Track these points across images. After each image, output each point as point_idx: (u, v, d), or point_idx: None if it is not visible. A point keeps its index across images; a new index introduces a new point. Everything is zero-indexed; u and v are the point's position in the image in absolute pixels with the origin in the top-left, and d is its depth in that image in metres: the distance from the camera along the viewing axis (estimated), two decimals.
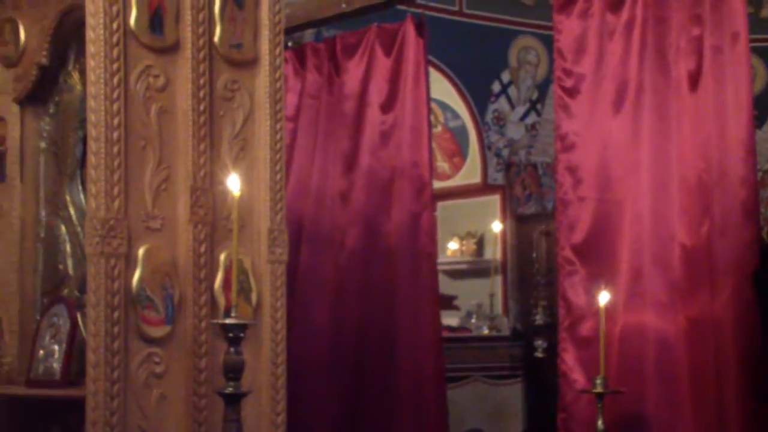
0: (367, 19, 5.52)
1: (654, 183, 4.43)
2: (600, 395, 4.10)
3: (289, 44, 5.61)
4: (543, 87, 8.69)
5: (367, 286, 5.36)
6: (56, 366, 4.02)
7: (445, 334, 6.35)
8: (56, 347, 4.05)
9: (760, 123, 8.98)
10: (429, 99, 5.30)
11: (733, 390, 4.11)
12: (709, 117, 4.30)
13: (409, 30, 5.25)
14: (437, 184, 8.18)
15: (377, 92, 5.40)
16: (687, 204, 4.33)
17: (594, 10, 4.63)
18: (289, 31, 5.13)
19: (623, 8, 4.56)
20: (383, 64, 5.37)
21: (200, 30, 3.77)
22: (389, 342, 5.23)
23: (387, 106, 5.38)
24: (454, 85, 8.51)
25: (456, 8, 8.47)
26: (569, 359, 4.56)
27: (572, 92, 4.66)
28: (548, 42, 4.86)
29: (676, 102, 4.41)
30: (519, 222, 8.63)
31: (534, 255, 8.26)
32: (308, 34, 6.54)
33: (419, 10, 5.38)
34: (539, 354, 7.45)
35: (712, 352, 4.21)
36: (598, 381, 4.11)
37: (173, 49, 3.74)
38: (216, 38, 3.82)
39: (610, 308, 4.25)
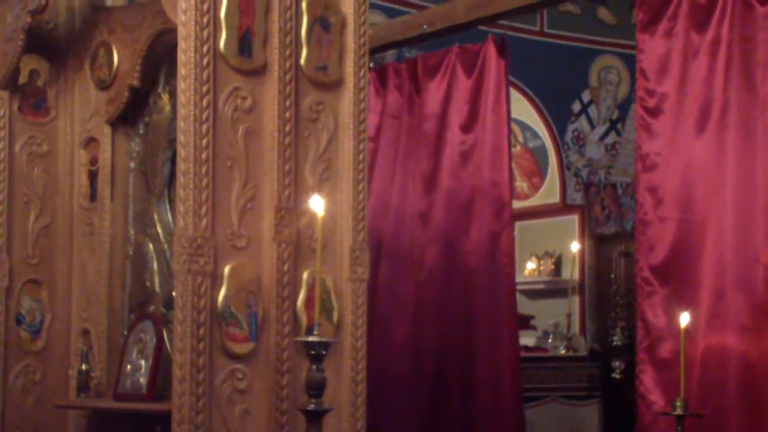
0: (449, 40, 5.56)
1: (738, 203, 4.38)
2: (680, 418, 4.05)
3: (371, 65, 5.69)
4: (624, 107, 8.64)
5: (446, 305, 5.38)
6: (143, 380, 4.11)
7: (522, 353, 6.35)
8: (143, 362, 4.15)
9: None
10: (509, 119, 5.32)
11: None
12: None
13: (491, 50, 5.28)
14: (516, 204, 8.17)
15: (457, 112, 5.44)
16: None
17: (678, 30, 4.60)
18: (371, 52, 5.20)
19: (709, 28, 4.52)
20: (464, 84, 5.41)
21: (287, 52, 3.85)
22: (468, 360, 5.25)
23: (467, 127, 5.41)
24: (534, 104, 8.50)
25: (537, 28, 8.47)
26: (648, 381, 4.52)
27: (654, 112, 4.65)
28: (629, 61, 4.85)
29: (762, 120, 4.35)
30: (597, 242, 8.57)
31: (612, 275, 8.18)
32: (390, 55, 6.61)
33: (501, 31, 5.42)
34: (617, 375, 7.38)
35: None
36: (678, 403, 4.05)
37: (261, 71, 3.82)
38: (302, 60, 3.90)
39: (691, 330, 4.20)
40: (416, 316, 5.47)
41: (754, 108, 4.38)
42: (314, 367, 3.47)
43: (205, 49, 3.67)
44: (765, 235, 4.29)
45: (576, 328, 8.41)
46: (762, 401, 4.22)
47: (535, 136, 8.74)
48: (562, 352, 7.79)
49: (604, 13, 8.70)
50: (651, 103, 4.65)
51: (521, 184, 8.93)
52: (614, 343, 7.67)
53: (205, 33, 3.68)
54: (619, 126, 8.80)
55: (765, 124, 4.34)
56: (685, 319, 4.12)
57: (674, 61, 4.60)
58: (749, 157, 4.37)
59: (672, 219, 4.56)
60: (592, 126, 8.78)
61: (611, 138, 8.82)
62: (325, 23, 3.95)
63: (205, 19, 3.68)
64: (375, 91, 5.70)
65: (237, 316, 3.70)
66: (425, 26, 5.33)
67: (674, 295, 4.48)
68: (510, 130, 5.34)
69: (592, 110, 8.78)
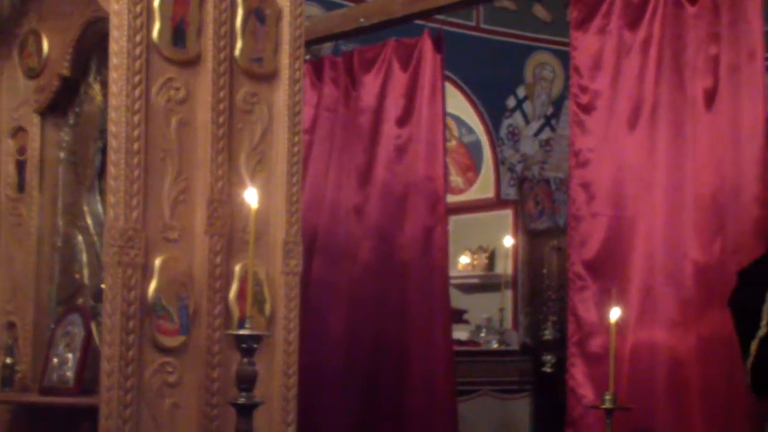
0: (385, 34, 5.55)
1: (668, 200, 4.43)
2: (609, 411, 4.09)
3: (307, 57, 5.65)
4: (558, 103, 8.72)
5: (380, 299, 5.37)
6: (70, 374, 4.04)
7: (455, 347, 6.37)
8: (70, 356, 4.08)
9: None
10: (445, 114, 5.32)
11: (743, 409, 4.10)
12: (725, 135, 4.30)
13: (427, 45, 5.28)
14: (450, 199, 8.19)
15: (393, 106, 5.42)
16: (700, 221, 4.32)
17: (611, 28, 4.64)
18: (307, 45, 5.17)
19: (641, 26, 4.57)
20: (400, 78, 5.40)
21: (221, 44, 3.82)
22: (401, 354, 5.25)
23: (403, 121, 5.40)
24: (470, 99, 8.54)
25: (473, 24, 8.50)
26: (578, 375, 4.57)
27: (587, 108, 4.68)
28: (564, 58, 4.89)
29: (691, 120, 4.41)
30: (531, 237, 8.64)
31: (545, 270, 8.27)
32: (326, 48, 6.58)
33: (437, 26, 5.41)
34: (548, 369, 7.46)
35: (722, 370, 4.20)
36: (608, 397, 4.09)
37: (194, 62, 3.78)
38: (237, 52, 3.87)
39: (621, 324, 4.25)
40: (350, 310, 5.46)
41: (683, 107, 4.44)
42: (245, 360, 3.45)
43: (137, 38, 3.63)
44: (693, 232, 4.35)
45: (508, 322, 8.47)
46: (688, 395, 4.29)
47: (471, 131, 8.78)
48: (495, 346, 7.84)
49: (539, 10, 8.77)
50: (584, 99, 4.69)
51: (456, 179, 8.97)
52: (546, 338, 7.75)
53: (138, 22, 3.63)
54: (553, 122, 8.88)
55: (694, 123, 4.41)
56: (615, 313, 4.17)
57: (607, 59, 4.64)
58: (679, 155, 4.43)
59: (604, 215, 4.60)
60: (527, 121, 8.85)
61: (546, 134, 8.90)
62: (260, 15, 3.92)
63: (138, 8, 3.63)
64: (311, 83, 5.66)
65: (168, 309, 3.67)
66: (362, 20, 5.31)
67: (605, 290, 4.52)
68: (445, 125, 5.35)
69: (527, 106, 8.85)
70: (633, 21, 4.58)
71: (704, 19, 4.39)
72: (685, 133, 4.43)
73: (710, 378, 4.24)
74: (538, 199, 8.76)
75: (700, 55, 4.41)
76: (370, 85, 5.51)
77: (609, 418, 4.08)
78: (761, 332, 3.77)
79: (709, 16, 4.38)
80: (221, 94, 3.79)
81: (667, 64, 4.49)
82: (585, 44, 4.70)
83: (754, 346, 3.78)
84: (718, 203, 4.29)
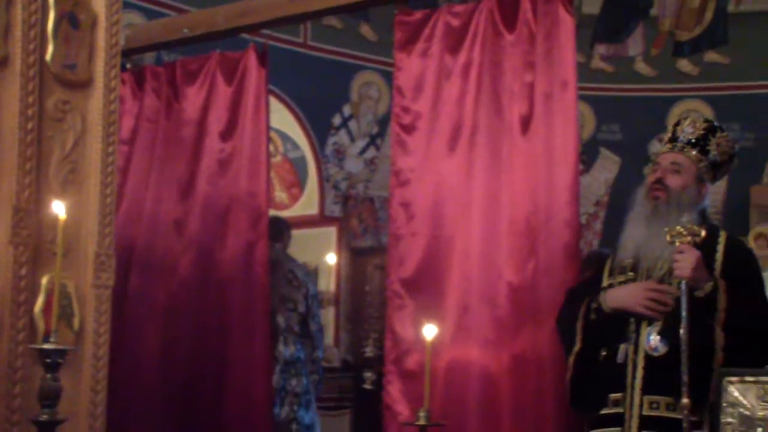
0: (210, 46, 5.48)
1: (484, 222, 4.52)
2: (422, 428, 4.14)
3: (128, 66, 5.52)
4: (383, 122, 8.83)
5: (200, 314, 5.28)
6: None
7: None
8: None
9: (587, 168, 9.38)
10: (268, 129, 5.28)
11: (551, 426, 4.23)
12: (539, 160, 4.43)
13: (251, 59, 5.23)
14: (274, 214, 8.18)
15: (217, 120, 5.35)
16: (515, 244, 4.43)
17: (433, 51, 4.72)
18: (128, 53, 5.04)
19: (461, 51, 4.66)
20: (224, 92, 5.33)
21: (31, 47, 3.67)
22: (220, 370, 5.17)
23: (226, 135, 5.33)
24: (296, 116, 8.54)
25: (300, 40, 8.51)
26: (394, 392, 4.61)
27: (409, 129, 4.74)
28: (390, 78, 4.95)
29: (508, 144, 4.52)
30: (354, 255, 8.71)
31: (367, 288, 8.35)
32: (149, 57, 6.45)
33: (263, 40, 5.38)
34: (368, 386, 7.51)
35: (532, 388, 4.32)
36: (422, 414, 4.15)
37: (1, 64, 3.62)
38: (48, 57, 3.73)
39: (437, 342, 4.31)
40: (168, 325, 5.34)
41: (500, 131, 4.55)
42: (49, 375, 3.32)
43: None
44: (508, 254, 4.46)
45: (330, 339, 8.49)
46: (498, 411, 4.38)
47: (296, 147, 8.79)
48: None
49: (366, 30, 8.86)
50: (406, 120, 4.75)
51: (280, 195, 8.95)
52: (367, 355, 7.80)
53: None
54: (378, 141, 8.99)
55: (510, 148, 4.52)
56: (431, 332, 4.23)
57: (429, 81, 4.71)
58: (495, 178, 4.54)
59: (422, 234, 4.66)
60: (352, 140, 8.92)
61: (370, 153, 9.00)
62: (74, 20, 3.80)
63: None
64: (132, 93, 5.52)
65: None
66: (185, 30, 5.22)
67: (422, 308, 4.58)
68: (269, 140, 5.31)
69: (353, 124, 8.92)
70: (454, 45, 4.68)
71: (520, 47, 4.52)
72: (501, 157, 4.54)
73: (520, 395, 4.35)
74: (362, 217, 8.84)
75: (516, 81, 4.54)
76: (193, 97, 5.42)
77: None
78: (576, 348, 3.92)
79: (525, 45, 4.51)
80: (30, 99, 3.64)
81: (486, 89, 4.60)
82: (408, 66, 4.77)
83: (571, 360, 3.92)
84: (532, 226, 4.41)
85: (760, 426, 3.02)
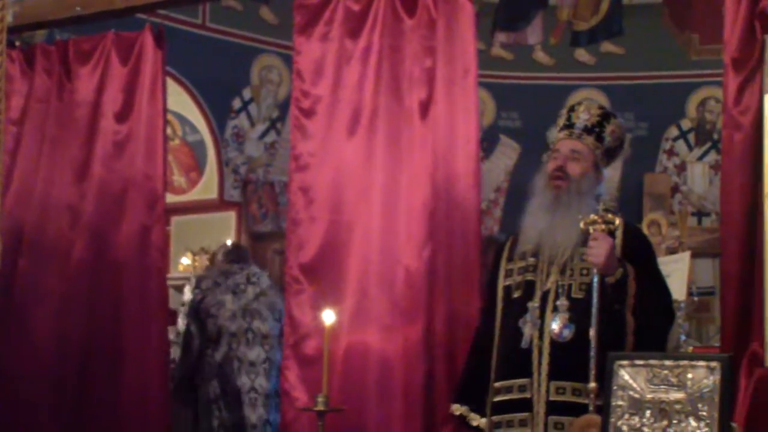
0: (105, 26, 5.36)
1: (383, 206, 4.54)
2: (321, 413, 4.14)
3: (17, 44, 5.36)
4: (284, 106, 8.74)
5: (94, 299, 5.18)
6: None
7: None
8: None
9: (487, 155, 9.48)
10: (165, 111, 5.20)
11: (445, 411, 4.26)
12: (439, 146, 4.46)
13: (147, 40, 5.13)
14: (172, 199, 8.06)
15: (112, 101, 5.24)
16: (413, 228, 4.46)
17: (333, 35, 4.71)
18: (17, 31, 4.89)
19: (361, 35, 4.66)
20: (119, 72, 5.22)
21: None
22: (115, 356, 5.09)
23: (122, 116, 5.23)
24: (194, 99, 8.40)
25: (199, 21, 8.38)
26: (292, 377, 4.60)
27: (308, 113, 4.72)
28: (290, 62, 4.91)
29: (407, 129, 4.54)
30: (254, 240, 8.64)
31: (267, 273, 8.27)
32: (40, 35, 6.26)
33: (159, 21, 5.28)
34: None
35: (428, 372, 4.35)
36: (320, 399, 4.15)
37: None
38: None
39: (335, 327, 4.31)
40: (61, 310, 5.22)
41: (399, 117, 4.57)
42: None
43: None
44: (406, 238, 4.48)
45: None
46: (396, 395, 4.41)
47: (195, 130, 8.66)
48: None
49: (266, 13, 8.77)
50: (306, 104, 4.73)
51: (179, 179, 8.82)
52: None
53: None
54: (278, 125, 8.91)
55: (409, 133, 4.54)
56: (329, 316, 4.22)
57: (329, 65, 4.70)
58: (394, 163, 4.56)
59: (322, 219, 4.65)
60: (252, 124, 8.83)
61: (271, 137, 8.92)
62: None
63: None
64: (21, 72, 5.35)
65: None
66: (78, 8, 5.08)
67: (321, 293, 4.58)
68: (166, 123, 5.22)
69: (253, 108, 8.83)
70: (354, 30, 4.67)
71: (420, 33, 4.54)
72: (401, 142, 4.56)
73: (417, 379, 4.37)
74: (262, 202, 8.78)
75: (416, 67, 4.55)
76: (86, 77, 5.29)
77: (321, 420, 4.12)
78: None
79: (425, 30, 4.53)
80: None
81: (386, 74, 4.60)
82: (308, 49, 4.74)
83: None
84: (431, 211, 4.44)
85: (648, 408, 3.09)
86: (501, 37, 9.79)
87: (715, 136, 9.33)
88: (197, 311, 5.76)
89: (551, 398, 3.70)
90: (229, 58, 8.56)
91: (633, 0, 9.71)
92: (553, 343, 3.72)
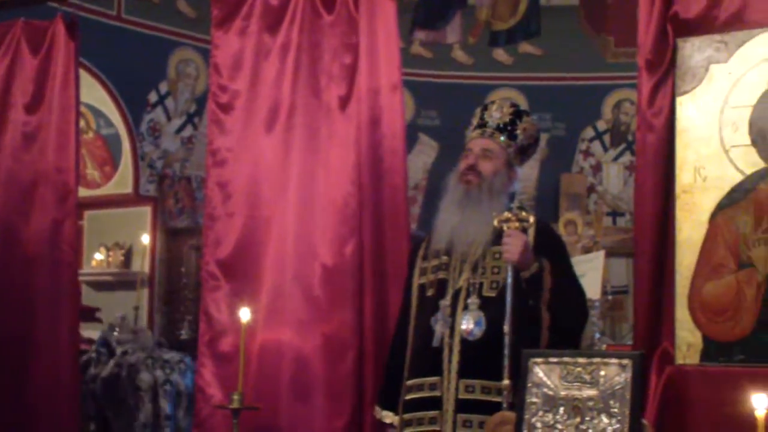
0: (15, 13, 5.23)
1: (300, 203, 4.53)
2: (236, 411, 4.11)
3: None
4: (201, 101, 8.64)
5: (3, 293, 5.07)
6: None
7: (85, 347, 6.17)
8: None
9: (408, 151, 9.50)
10: (78, 103, 5.10)
11: (368, 408, 4.24)
12: (363, 142, 4.45)
13: (59, 30, 5.02)
14: (86, 193, 7.92)
15: (21, 92, 5.12)
16: (332, 225, 4.45)
17: (252, 30, 4.68)
18: None
19: (280, 31, 4.64)
20: (29, 62, 5.10)
21: None
22: (24, 351, 4.99)
23: (32, 107, 5.12)
24: (109, 91, 8.25)
25: (114, 12, 8.24)
26: (207, 374, 4.55)
27: (226, 108, 4.69)
28: (208, 56, 4.86)
29: (327, 126, 4.54)
30: (170, 235, 8.54)
31: (183, 269, 8.22)
32: None
33: (71, 10, 5.18)
34: None
35: (350, 367, 4.34)
36: (235, 397, 4.12)
37: None
38: None
39: (251, 325, 4.28)
40: None
41: (318, 113, 4.56)
42: None
43: None
44: (322, 235, 4.47)
45: (144, 321, 8.31)
46: (316, 392, 4.39)
47: (109, 123, 8.51)
48: None
49: (183, 5, 8.66)
50: (223, 99, 4.70)
51: (92, 172, 8.66)
52: (182, 337, 7.69)
53: None
54: (196, 120, 8.81)
55: (328, 130, 4.54)
56: (245, 313, 4.19)
57: (247, 60, 4.67)
58: (313, 159, 4.55)
59: (239, 215, 4.63)
60: (169, 118, 8.71)
61: (188, 131, 8.81)
62: None
63: None
64: None
65: None
66: None
67: (238, 290, 4.55)
68: (79, 115, 5.13)
69: (170, 102, 8.71)
70: (273, 25, 4.65)
71: (339, 29, 4.54)
72: (319, 138, 4.55)
73: (333, 376, 4.36)
74: (179, 197, 8.67)
75: (335, 63, 4.54)
76: None
77: (236, 417, 4.10)
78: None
79: (344, 27, 4.53)
80: None
81: (305, 70, 4.59)
82: (225, 44, 4.71)
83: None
84: (351, 207, 4.42)
85: (562, 405, 3.12)
86: (420, 35, 9.82)
87: (630, 138, 9.49)
88: None
89: (460, 396, 3.71)
90: (145, 51, 8.42)
91: (550, 1, 9.82)
92: (464, 342, 3.72)
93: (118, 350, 6.27)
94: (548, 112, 9.58)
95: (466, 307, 3.74)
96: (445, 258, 3.87)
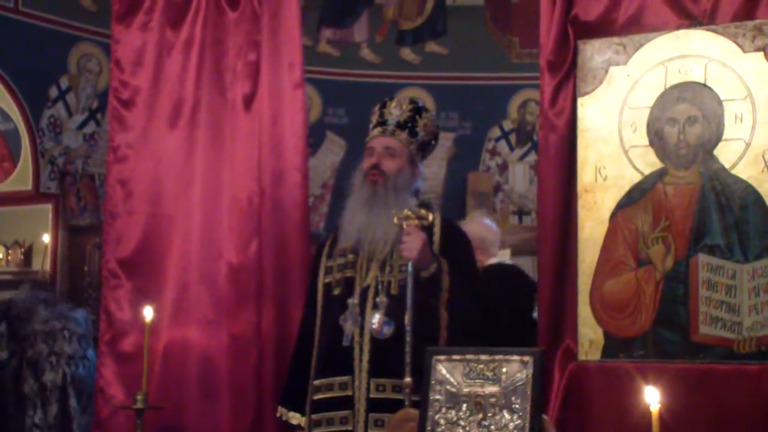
0: None
1: (205, 200, 4.50)
2: (140, 411, 4.05)
3: None
4: (104, 97, 8.45)
5: None
6: None
7: None
8: None
9: (313, 150, 9.48)
10: None
11: (272, 407, 4.22)
12: (264, 140, 4.44)
13: None
14: None
15: None
16: (237, 223, 4.43)
17: (154, 25, 4.62)
18: None
19: (183, 26, 4.60)
20: None
21: None
22: None
23: None
24: (7, 86, 8.04)
25: (11, 5, 8.03)
26: (108, 374, 4.48)
27: (128, 104, 4.62)
28: (110, 51, 4.76)
29: (230, 123, 4.51)
30: (71, 233, 8.37)
31: (86, 267, 8.06)
32: None
33: None
34: None
35: (253, 366, 4.32)
36: (139, 397, 4.06)
37: None
38: None
39: (155, 324, 4.23)
40: None
41: (223, 110, 4.53)
42: None
43: None
44: (227, 233, 4.45)
45: None
46: (222, 391, 4.36)
47: (8, 119, 8.29)
48: None
49: (85, 0, 8.51)
50: (125, 95, 4.63)
51: None
52: None
53: None
54: (98, 116, 8.64)
55: (233, 127, 4.51)
56: (149, 312, 4.13)
57: (149, 56, 4.61)
58: (217, 157, 4.52)
59: (141, 213, 4.57)
60: (70, 114, 8.53)
61: (90, 128, 8.64)
62: None
63: None
64: None
65: None
66: None
67: (140, 288, 4.49)
68: None
69: (71, 97, 8.53)
70: (175, 20, 4.60)
71: (244, 27, 4.52)
72: (224, 136, 4.53)
73: (240, 374, 4.35)
74: (81, 195, 8.50)
75: (240, 60, 4.52)
76: None
77: (140, 417, 4.05)
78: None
79: (248, 24, 4.51)
80: None
81: (209, 66, 4.57)
82: (127, 39, 4.64)
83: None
84: (255, 206, 4.41)
85: (464, 402, 3.14)
86: (327, 33, 9.80)
87: (535, 137, 9.60)
88: None
89: (371, 395, 3.71)
90: (44, 45, 8.22)
91: (456, 1, 9.89)
92: (374, 341, 3.73)
93: None
94: (455, 112, 9.66)
95: (374, 306, 3.74)
96: (351, 256, 3.87)
